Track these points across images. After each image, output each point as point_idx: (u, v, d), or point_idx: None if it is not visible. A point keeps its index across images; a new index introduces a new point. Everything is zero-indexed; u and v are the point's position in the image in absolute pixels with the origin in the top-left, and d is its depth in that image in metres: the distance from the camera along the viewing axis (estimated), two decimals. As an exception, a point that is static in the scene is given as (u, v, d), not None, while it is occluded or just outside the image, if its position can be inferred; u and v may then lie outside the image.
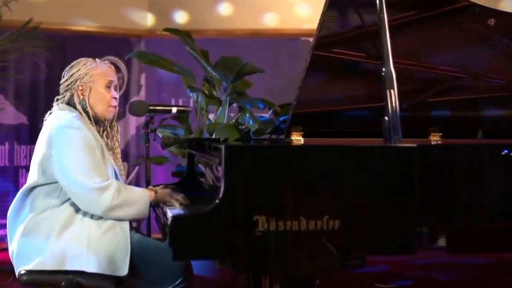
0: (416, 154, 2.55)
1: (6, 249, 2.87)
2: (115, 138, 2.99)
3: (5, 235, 2.93)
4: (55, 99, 2.93)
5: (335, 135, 3.05)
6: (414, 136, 2.86)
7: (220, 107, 4.42)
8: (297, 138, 2.87)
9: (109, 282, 2.71)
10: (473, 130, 3.25)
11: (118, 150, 3.00)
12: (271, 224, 2.40)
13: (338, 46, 2.95)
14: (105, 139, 2.93)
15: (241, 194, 2.42)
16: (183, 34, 4.55)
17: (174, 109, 3.43)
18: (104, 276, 2.70)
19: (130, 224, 2.84)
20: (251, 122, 3.97)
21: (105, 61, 2.98)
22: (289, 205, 2.43)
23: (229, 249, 2.40)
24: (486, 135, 3.23)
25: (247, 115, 4.11)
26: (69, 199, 2.76)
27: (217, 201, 2.40)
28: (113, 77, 2.95)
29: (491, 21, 3.05)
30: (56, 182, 2.76)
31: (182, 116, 4.38)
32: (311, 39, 2.90)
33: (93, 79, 2.89)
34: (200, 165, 3.38)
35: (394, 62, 2.67)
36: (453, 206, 2.63)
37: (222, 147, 2.45)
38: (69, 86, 2.89)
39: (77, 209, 2.75)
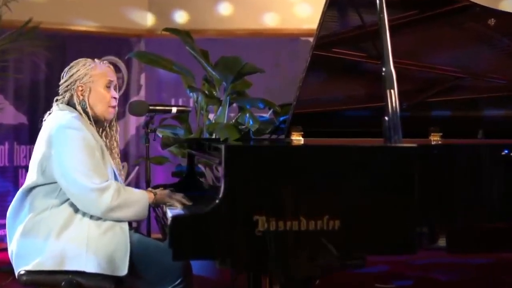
0: (416, 154, 2.55)
1: (6, 249, 2.87)
2: (114, 138, 2.99)
3: (5, 235, 2.93)
4: (55, 99, 2.93)
5: (335, 135, 3.05)
6: (414, 136, 2.86)
7: (220, 107, 4.42)
8: (297, 138, 2.87)
9: (109, 282, 2.70)
10: (473, 130, 3.24)
11: (117, 150, 3.00)
12: (271, 224, 2.39)
13: (338, 46, 2.95)
14: (104, 139, 2.93)
15: (241, 194, 2.42)
16: (183, 34, 4.55)
17: (174, 109, 3.43)
18: (104, 276, 2.69)
19: (130, 224, 2.84)
20: (251, 122, 3.97)
21: (104, 61, 2.98)
22: (289, 205, 2.43)
23: (229, 249, 2.40)
24: (486, 135, 3.23)
25: (247, 115, 4.11)
26: (68, 199, 2.76)
27: (217, 201, 2.40)
28: (113, 77, 2.95)
29: (492, 21, 3.05)
30: (55, 182, 2.76)
31: (182, 116, 4.38)
32: (311, 39, 2.89)
33: (93, 79, 2.89)
34: (200, 165, 3.38)
35: (394, 62, 2.67)
36: (453, 206, 2.63)
37: (222, 147, 2.45)
38: (69, 86, 2.89)
39: (76, 209, 2.75)
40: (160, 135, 4.39)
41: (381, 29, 2.69)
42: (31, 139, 5.07)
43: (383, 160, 2.54)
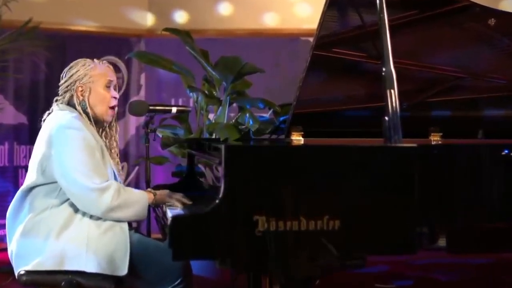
0: (416, 154, 2.54)
1: (6, 249, 2.87)
2: (113, 138, 2.99)
3: (5, 235, 2.93)
4: (54, 99, 2.93)
5: (335, 135, 3.05)
6: (414, 136, 2.86)
7: (220, 107, 4.42)
8: (297, 138, 2.87)
9: (109, 282, 2.70)
10: (473, 130, 3.24)
11: (116, 150, 3.00)
12: (271, 224, 2.39)
13: (338, 46, 2.95)
14: (104, 139, 2.93)
15: (241, 194, 2.42)
16: (183, 34, 4.55)
17: (174, 109, 3.43)
18: (104, 276, 2.69)
19: (130, 224, 2.84)
20: (251, 122, 3.97)
21: (104, 61, 2.97)
22: (289, 205, 2.43)
23: (229, 249, 2.40)
24: (487, 135, 3.23)
25: (247, 115, 4.11)
26: (68, 199, 2.76)
27: (217, 201, 2.40)
28: (112, 76, 2.95)
29: (492, 21, 3.05)
30: (55, 182, 2.76)
31: (182, 116, 4.38)
32: (311, 39, 2.89)
33: (93, 79, 2.89)
34: (200, 165, 3.38)
35: (394, 62, 2.67)
36: (453, 206, 2.62)
37: (222, 147, 2.45)
38: (69, 87, 2.89)
39: (76, 209, 2.75)
40: (160, 135, 4.39)
41: (381, 29, 2.69)
42: (31, 139, 5.08)
43: (383, 160, 2.54)
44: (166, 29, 4.65)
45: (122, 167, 5.85)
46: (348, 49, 2.98)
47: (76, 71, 2.89)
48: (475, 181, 2.65)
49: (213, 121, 4.43)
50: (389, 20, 2.70)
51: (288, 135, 2.89)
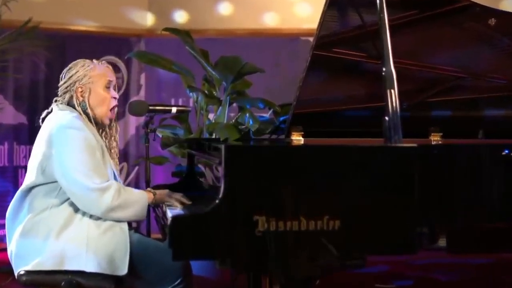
0: (417, 154, 2.54)
1: (6, 250, 2.87)
2: (113, 138, 2.99)
3: (5, 236, 2.93)
4: (54, 100, 2.92)
5: (335, 135, 3.05)
6: (414, 136, 2.85)
7: (220, 107, 4.42)
8: (297, 138, 2.87)
9: (109, 282, 2.70)
10: (474, 130, 3.24)
11: (116, 151, 3.00)
12: (271, 224, 2.39)
13: (338, 46, 2.95)
14: (104, 139, 2.93)
15: (241, 194, 2.42)
16: (183, 34, 4.55)
17: (174, 109, 3.43)
18: (104, 276, 2.69)
19: (130, 224, 2.83)
20: (251, 122, 3.97)
21: (103, 61, 2.97)
22: (289, 205, 2.42)
23: (229, 249, 2.40)
24: (487, 135, 3.23)
25: (247, 115, 4.11)
26: (68, 199, 2.76)
27: (217, 201, 2.40)
28: (112, 77, 2.95)
29: (492, 21, 3.05)
30: (55, 182, 2.75)
31: (181, 116, 4.38)
32: (311, 39, 2.89)
33: (92, 80, 2.88)
34: (200, 165, 3.37)
35: (394, 62, 2.66)
36: (454, 206, 2.62)
37: (222, 147, 2.44)
38: (68, 88, 2.89)
39: (76, 209, 2.75)
40: (160, 135, 4.39)
41: (381, 29, 2.69)
42: (31, 139, 5.08)
43: (383, 160, 2.53)
44: (166, 29, 4.64)
45: (122, 167, 5.86)
46: (348, 49, 2.98)
47: (76, 72, 2.89)
48: (475, 181, 2.65)
49: (213, 121, 4.43)
50: (389, 20, 2.70)
51: (288, 135, 2.89)
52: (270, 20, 6.03)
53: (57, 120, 2.80)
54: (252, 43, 5.76)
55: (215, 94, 4.51)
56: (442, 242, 2.63)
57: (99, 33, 5.83)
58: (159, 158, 4.76)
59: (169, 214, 2.62)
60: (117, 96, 2.96)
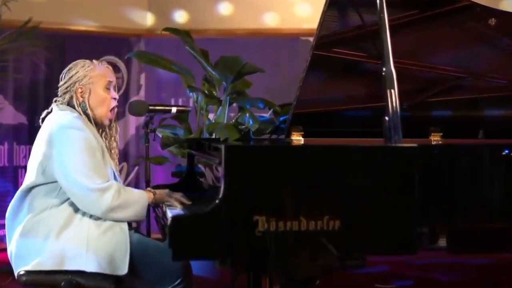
0: (417, 154, 2.54)
1: (6, 249, 2.86)
2: (113, 139, 2.99)
3: (5, 236, 2.92)
4: (54, 100, 2.92)
5: (335, 135, 3.05)
6: (414, 136, 2.85)
7: (220, 107, 4.42)
8: (297, 138, 2.87)
9: (109, 282, 2.70)
10: (474, 130, 3.24)
11: (116, 151, 2.99)
12: (271, 224, 2.39)
13: (338, 46, 2.95)
14: (104, 139, 2.93)
15: (241, 194, 2.41)
16: (183, 34, 4.55)
17: (174, 109, 3.43)
18: (104, 276, 2.69)
19: (130, 224, 2.83)
20: (251, 122, 3.97)
21: (103, 62, 2.97)
22: (289, 205, 2.42)
23: (229, 250, 2.40)
24: (487, 135, 3.23)
25: (247, 115, 4.11)
26: (68, 199, 2.76)
27: (217, 201, 2.40)
28: (112, 77, 2.94)
29: (492, 21, 3.05)
30: (55, 182, 2.75)
31: (181, 116, 4.38)
32: (311, 39, 2.89)
33: (92, 80, 2.88)
34: (200, 165, 3.37)
35: (394, 62, 2.66)
36: (454, 206, 2.62)
37: (222, 147, 2.44)
38: (68, 88, 2.88)
39: (76, 209, 2.75)
40: (160, 135, 4.38)
41: (381, 29, 2.69)
42: (31, 139, 5.05)
43: (383, 160, 2.53)
44: (166, 29, 4.64)
45: (122, 167, 5.86)
46: (348, 49, 2.98)
47: (76, 73, 2.89)
48: (475, 181, 2.64)
49: (213, 121, 4.43)
50: (389, 20, 2.70)
51: (288, 135, 2.89)
52: (270, 20, 6.03)
53: (58, 120, 2.80)
54: (252, 43, 5.76)
55: (215, 94, 4.51)
56: (442, 242, 2.63)
57: (99, 33, 5.83)
58: (159, 158, 4.76)
59: (169, 214, 2.62)
60: (117, 96, 2.96)
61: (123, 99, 5.67)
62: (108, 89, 2.91)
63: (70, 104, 2.89)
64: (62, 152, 2.73)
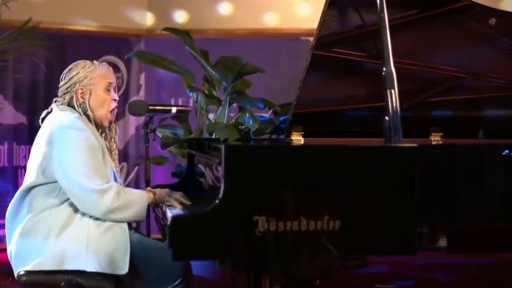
0: (417, 154, 2.54)
1: (6, 250, 2.86)
2: (113, 140, 2.99)
3: (5, 236, 2.92)
4: (54, 100, 2.92)
5: (335, 135, 3.05)
6: (414, 136, 2.85)
7: (220, 107, 4.42)
8: (297, 138, 2.87)
9: (109, 282, 2.70)
10: (474, 130, 3.24)
11: (116, 152, 2.99)
12: (271, 224, 2.39)
13: (338, 46, 2.95)
14: (104, 140, 2.93)
15: (241, 194, 2.41)
16: (183, 34, 4.55)
17: (174, 109, 3.43)
18: (104, 276, 2.69)
19: (130, 224, 2.83)
20: (251, 122, 3.97)
21: (103, 63, 2.97)
22: (289, 205, 2.42)
23: (229, 250, 2.40)
24: (487, 135, 3.23)
25: (247, 115, 4.10)
26: (68, 199, 2.75)
27: (217, 201, 2.40)
28: (112, 78, 2.94)
29: (492, 21, 3.05)
30: (55, 182, 2.75)
31: (181, 116, 4.38)
32: (311, 39, 2.89)
33: (93, 81, 2.88)
34: (200, 165, 3.37)
35: (394, 62, 2.66)
36: (454, 206, 2.62)
37: (222, 147, 2.44)
38: (69, 89, 2.88)
39: (76, 209, 2.74)
40: (160, 135, 4.38)
41: (381, 28, 2.69)
42: (31, 139, 5.04)
43: (384, 160, 2.53)
44: (165, 29, 4.64)
45: (122, 167, 5.85)
46: (349, 49, 2.98)
47: (76, 73, 2.88)
48: (476, 181, 2.64)
49: (213, 121, 4.43)
50: (389, 20, 2.70)
51: (288, 135, 2.89)
52: (270, 20, 6.03)
53: (58, 121, 2.80)
54: (252, 43, 5.75)
55: (215, 94, 4.51)
56: (442, 242, 2.63)
57: (99, 33, 5.82)
58: (159, 158, 4.75)
59: (169, 214, 2.62)
60: (117, 98, 2.96)
61: (123, 99, 5.67)
62: (108, 90, 2.91)
63: (70, 104, 2.88)
64: (62, 152, 2.73)
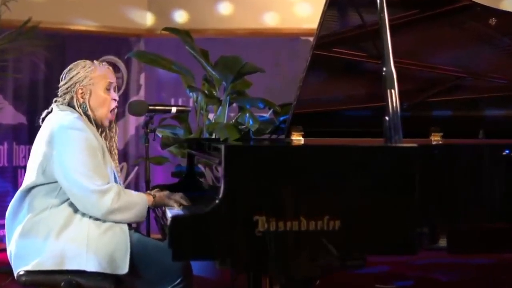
0: (417, 154, 2.54)
1: (5, 250, 2.86)
2: (113, 140, 2.98)
3: (4, 236, 2.92)
4: (54, 100, 2.92)
5: (335, 135, 3.05)
6: (414, 136, 2.85)
7: (220, 107, 4.42)
8: (297, 138, 2.86)
9: (109, 282, 2.70)
10: (474, 130, 3.24)
11: (116, 152, 2.99)
12: (271, 225, 2.39)
13: (338, 46, 2.95)
14: (104, 140, 2.92)
15: (241, 194, 2.41)
16: (183, 34, 4.55)
17: (174, 109, 3.43)
18: (104, 276, 2.69)
19: (130, 224, 2.83)
20: (251, 122, 3.97)
21: (103, 63, 2.96)
22: (289, 205, 2.42)
23: (229, 250, 2.39)
24: (487, 135, 3.23)
25: (247, 115, 4.10)
26: (68, 199, 2.75)
27: (216, 201, 2.39)
28: (112, 78, 2.94)
29: (492, 21, 3.05)
30: (55, 182, 2.75)
31: (181, 116, 4.38)
32: (311, 39, 2.89)
33: (93, 81, 2.88)
34: (200, 165, 3.37)
35: (394, 62, 2.66)
36: (454, 206, 2.62)
37: (222, 147, 2.44)
38: (69, 89, 2.88)
39: (76, 209, 2.74)
40: (160, 135, 4.38)
41: (381, 28, 2.69)
42: (30, 139, 5.06)
43: (384, 160, 2.53)
44: (165, 29, 4.64)
45: (122, 167, 5.85)
46: (349, 49, 2.98)
47: (77, 73, 2.88)
48: (476, 181, 2.64)
49: (213, 121, 4.43)
50: (389, 20, 2.69)
51: (288, 135, 2.89)
52: (270, 20, 6.03)
53: (58, 121, 2.79)
54: (252, 43, 5.75)
55: (215, 94, 4.51)
56: (442, 242, 2.63)
57: (99, 33, 5.82)
58: (159, 158, 4.75)
59: (169, 214, 2.61)
60: (117, 98, 2.96)
61: (123, 99, 5.67)
62: (108, 90, 2.91)
63: (70, 104, 2.88)
64: (62, 152, 2.73)
